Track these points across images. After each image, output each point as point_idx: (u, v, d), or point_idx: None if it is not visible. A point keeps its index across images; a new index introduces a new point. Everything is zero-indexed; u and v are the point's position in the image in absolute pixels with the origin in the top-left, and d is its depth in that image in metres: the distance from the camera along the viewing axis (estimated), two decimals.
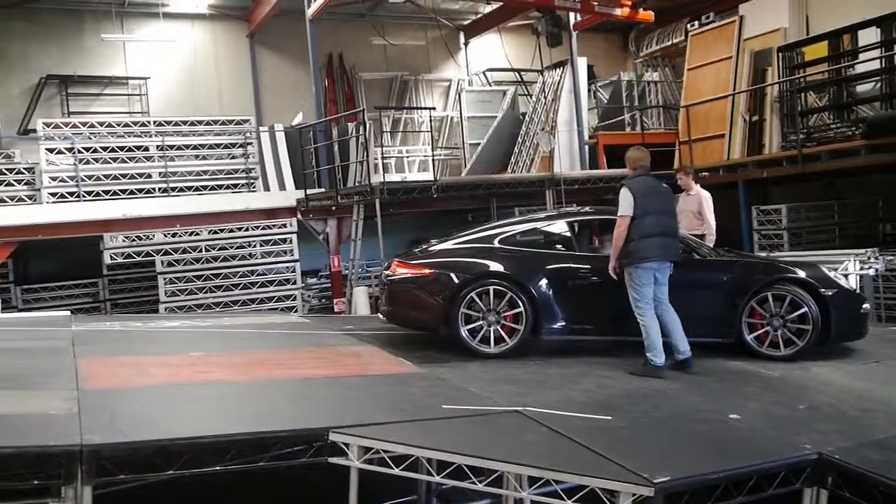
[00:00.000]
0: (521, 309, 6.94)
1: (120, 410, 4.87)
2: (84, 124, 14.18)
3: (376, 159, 13.64)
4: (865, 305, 7.38)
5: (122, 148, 13.91)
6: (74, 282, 14.78)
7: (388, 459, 4.43)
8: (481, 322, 6.97)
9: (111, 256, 12.78)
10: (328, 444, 4.48)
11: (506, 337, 7.01)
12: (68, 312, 10.78)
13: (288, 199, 13.98)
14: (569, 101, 16.61)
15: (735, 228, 12.97)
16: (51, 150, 13.40)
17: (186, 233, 13.16)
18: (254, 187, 14.67)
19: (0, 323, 9.10)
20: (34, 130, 14.97)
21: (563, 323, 7.09)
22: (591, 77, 18.92)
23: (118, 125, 14.53)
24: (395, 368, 6.62)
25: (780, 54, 13.18)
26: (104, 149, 13.77)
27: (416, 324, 7.69)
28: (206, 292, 12.99)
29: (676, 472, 3.97)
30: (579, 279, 7.15)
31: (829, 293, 6.89)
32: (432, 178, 13.40)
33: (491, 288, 6.96)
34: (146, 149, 14.14)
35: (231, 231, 13.35)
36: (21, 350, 7.17)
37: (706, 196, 9.98)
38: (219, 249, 13.22)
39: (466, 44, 21.45)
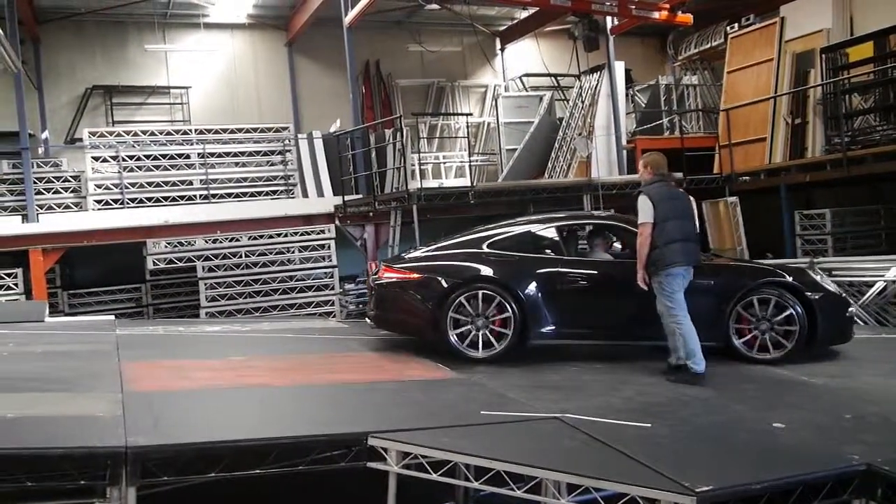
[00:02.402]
0: (510, 313, 6.93)
1: (163, 413, 4.95)
2: (128, 133, 14.50)
3: (413, 165, 13.67)
4: (851, 309, 7.39)
5: (164, 156, 14.17)
6: (118, 287, 15.09)
7: (426, 465, 4.44)
8: (470, 326, 6.97)
9: (154, 262, 13.01)
10: (367, 448, 4.51)
11: (494, 342, 6.99)
12: (112, 317, 11.00)
13: (326, 206, 14.09)
14: (606, 105, 16.47)
15: (776, 233, 12.77)
16: (96, 159, 13.71)
17: (227, 239, 13.33)
18: (292, 194, 14.82)
19: (48, 327, 9.31)
20: (80, 139, 15.33)
21: (553, 327, 7.07)
22: (629, 81, 18.75)
23: (160, 133, 14.81)
24: (434, 374, 6.63)
25: (824, 56, 12.93)
26: (147, 157, 14.05)
27: (404, 328, 7.70)
28: (245, 297, 13.15)
29: (719, 481, 3.91)
30: (568, 283, 7.15)
31: (816, 297, 6.92)
32: (469, 185, 13.40)
33: (479, 292, 6.96)
34: (188, 156, 14.38)
35: (270, 237, 13.50)
36: (68, 353, 7.33)
37: (690, 201, 9.95)
38: (258, 255, 13.38)
39: (502, 49, 21.44)
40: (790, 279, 7.04)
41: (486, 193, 13.05)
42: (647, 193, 6.47)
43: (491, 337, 6.98)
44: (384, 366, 6.91)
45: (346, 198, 13.71)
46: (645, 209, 6.40)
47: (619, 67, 16.98)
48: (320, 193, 14.98)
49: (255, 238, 13.42)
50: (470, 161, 15.37)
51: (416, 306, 7.24)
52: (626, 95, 17.95)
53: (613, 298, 7.22)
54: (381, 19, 18.42)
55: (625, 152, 16.58)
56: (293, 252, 13.57)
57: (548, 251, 7.45)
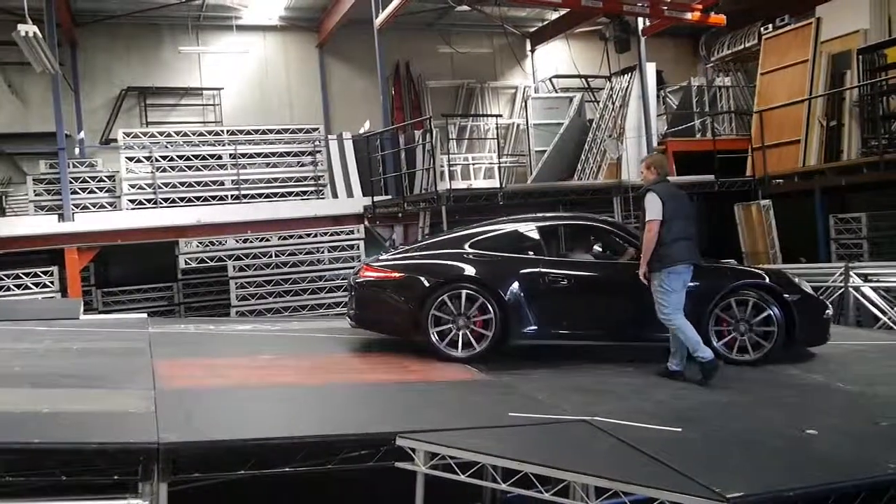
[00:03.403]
0: (491, 313, 6.92)
1: (194, 410, 5.00)
2: (161, 134, 14.69)
3: (442, 167, 13.69)
4: (828, 311, 7.44)
5: (196, 156, 14.34)
6: (151, 285, 15.31)
7: (454, 465, 4.43)
8: (451, 326, 6.96)
9: (186, 261, 13.19)
10: (395, 448, 4.52)
11: (474, 342, 6.99)
12: (145, 315, 11.15)
13: (355, 206, 14.18)
14: (637, 107, 16.36)
15: (810, 238, 12.58)
16: (130, 159, 13.91)
17: (257, 239, 13.48)
18: (322, 194, 14.92)
19: (82, 324, 9.46)
20: (115, 140, 15.58)
21: (535, 327, 7.05)
22: (660, 83, 18.61)
23: (193, 134, 14.99)
24: (462, 375, 6.62)
25: (860, 57, 12.73)
26: (180, 157, 14.22)
27: (384, 328, 7.68)
28: (275, 297, 13.27)
29: (751, 487, 3.86)
30: (550, 284, 7.12)
31: (793, 298, 6.96)
32: (498, 186, 13.37)
33: (461, 292, 6.95)
34: (219, 157, 14.54)
35: (300, 237, 13.62)
36: (102, 350, 7.44)
37: None
38: (288, 255, 13.50)
39: (533, 51, 21.38)
40: (768, 281, 7.10)
41: (515, 195, 13.03)
42: (655, 191, 6.49)
43: (471, 337, 6.98)
44: (412, 367, 6.92)
45: (376, 198, 13.79)
46: (653, 206, 6.42)
47: (651, 69, 16.85)
48: (350, 194, 15.07)
49: (285, 238, 13.56)
50: (499, 162, 15.32)
51: (396, 306, 7.21)
52: (658, 97, 17.83)
53: (596, 299, 7.27)
54: (411, 21, 18.48)
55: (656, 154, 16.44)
56: (323, 252, 13.67)
57: (530, 251, 7.46)
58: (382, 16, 14.73)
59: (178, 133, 14.85)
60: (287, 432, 4.60)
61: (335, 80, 19.72)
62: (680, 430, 4.91)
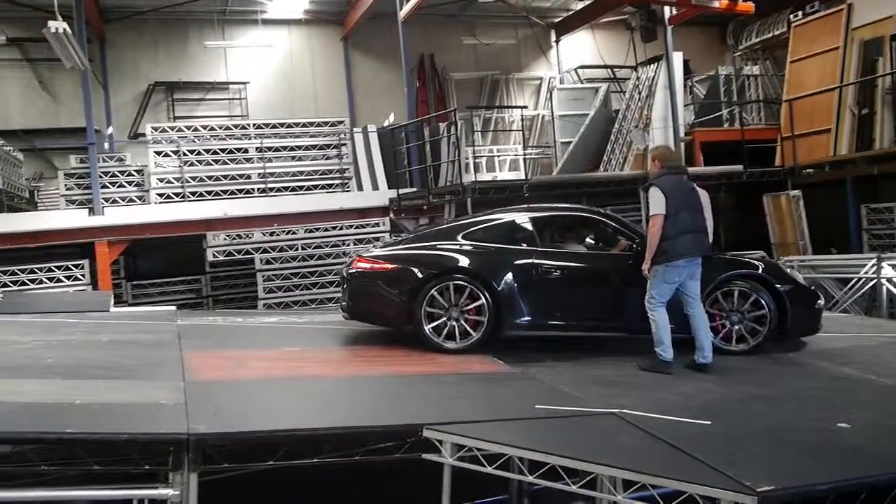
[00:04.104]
0: (483, 302, 6.92)
1: (223, 402, 5.05)
2: (188, 128, 14.82)
3: (467, 159, 13.67)
4: (820, 301, 7.45)
5: (223, 150, 14.45)
6: (179, 278, 15.48)
7: (480, 458, 4.43)
8: (444, 317, 6.96)
9: (213, 254, 13.31)
10: (422, 440, 4.53)
11: (470, 331, 6.98)
12: (174, 307, 11.28)
13: (380, 199, 14.21)
14: (664, 97, 16.20)
15: (841, 228, 12.37)
16: (158, 153, 14.06)
17: (284, 232, 13.56)
18: (348, 187, 14.97)
19: (113, 317, 9.60)
20: (143, 134, 15.76)
21: (528, 318, 7.06)
22: (687, 72, 18.38)
23: (220, 128, 15.10)
24: (489, 367, 6.62)
25: (894, 43, 12.46)
26: (207, 151, 14.34)
27: (377, 320, 7.68)
28: (302, 289, 13.35)
29: (781, 481, 3.80)
30: (543, 274, 7.11)
31: (785, 288, 6.98)
32: (523, 178, 13.33)
33: (453, 283, 6.95)
34: (246, 150, 14.63)
35: (326, 230, 13.68)
36: (132, 342, 7.54)
37: (703, 194, 9.81)
38: (314, 248, 13.57)
39: (558, 41, 21.25)
40: (760, 271, 7.11)
41: (540, 186, 12.97)
42: (658, 185, 6.48)
43: (467, 326, 6.98)
44: (438, 359, 6.92)
45: (401, 191, 13.80)
46: (657, 200, 6.41)
47: (678, 58, 16.66)
48: (375, 187, 15.11)
49: (311, 231, 13.61)
50: (524, 154, 15.27)
51: (389, 298, 7.21)
52: (685, 86, 17.62)
53: (589, 290, 7.26)
54: (435, 13, 18.46)
55: (683, 145, 16.28)
56: (348, 245, 13.71)
57: (523, 243, 7.45)
58: (407, 8, 14.72)
59: (204, 127, 14.97)
60: (315, 424, 4.64)
61: (360, 72, 19.76)
62: (709, 423, 4.86)
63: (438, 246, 7.39)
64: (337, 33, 19.63)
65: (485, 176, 16.60)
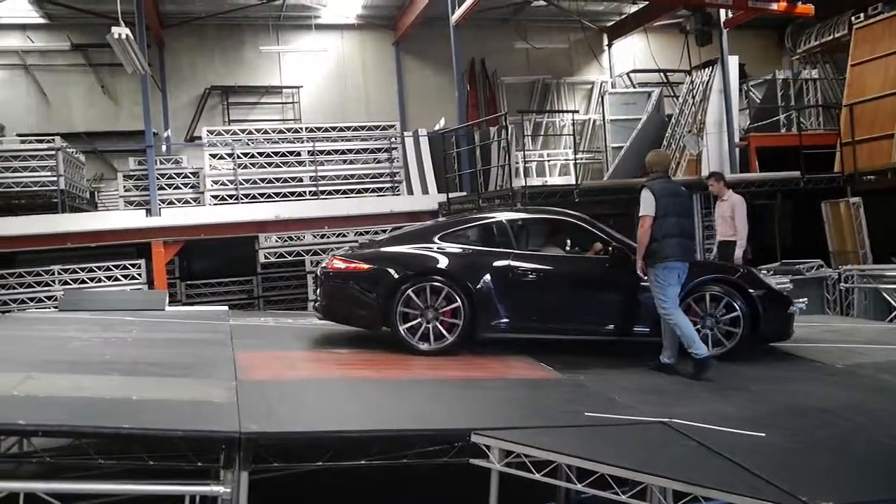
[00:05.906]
0: (459, 305, 6.89)
1: (274, 402, 5.11)
2: (243, 131, 15.11)
3: (517, 163, 13.64)
4: (792, 307, 7.46)
5: (276, 153, 14.68)
6: (232, 279, 15.77)
7: (528, 464, 4.40)
8: (420, 319, 6.93)
9: (265, 256, 13.53)
10: (469, 445, 4.51)
11: (445, 333, 6.95)
12: (226, 307, 11.47)
13: (431, 203, 14.26)
14: (718, 101, 15.90)
15: None
16: (213, 156, 14.35)
17: (334, 234, 13.71)
18: (398, 191, 15.06)
19: (167, 316, 9.81)
20: (199, 137, 16.10)
21: (506, 320, 7.05)
22: (743, 76, 18.00)
23: (273, 132, 15.36)
24: (536, 373, 6.58)
25: None
26: (260, 154, 14.59)
27: (351, 320, 7.64)
28: None
29: (839, 496, 3.70)
30: (519, 277, 7.09)
31: (758, 294, 7.01)
32: (574, 183, 13.22)
33: (429, 285, 6.92)
34: (298, 154, 14.85)
35: (376, 233, 13.76)
36: (186, 341, 7.70)
37: (738, 200, 9.94)
38: None
39: (610, 45, 21.04)
40: (734, 276, 7.15)
41: (590, 192, 12.86)
42: (650, 188, 6.65)
43: (442, 329, 6.96)
44: (486, 363, 6.91)
45: (451, 195, 13.82)
46: (647, 202, 6.56)
47: (733, 62, 16.34)
48: (425, 191, 15.16)
49: (361, 234, 13.72)
50: (575, 159, 15.13)
51: (364, 299, 7.18)
52: (740, 91, 17.28)
53: (564, 293, 7.26)
54: (487, 17, 18.45)
55: (738, 150, 15.96)
56: None
57: (500, 245, 7.45)
58: (458, 12, 14.75)
59: (258, 130, 15.24)
60: (363, 425, 4.67)
61: (411, 76, 19.86)
62: (763, 434, 4.73)
63: (415, 247, 7.40)
64: (389, 38, 19.78)
65: (535, 180, 16.53)
